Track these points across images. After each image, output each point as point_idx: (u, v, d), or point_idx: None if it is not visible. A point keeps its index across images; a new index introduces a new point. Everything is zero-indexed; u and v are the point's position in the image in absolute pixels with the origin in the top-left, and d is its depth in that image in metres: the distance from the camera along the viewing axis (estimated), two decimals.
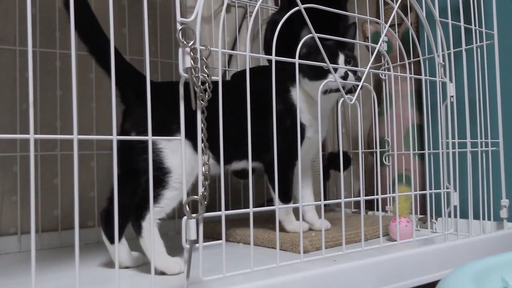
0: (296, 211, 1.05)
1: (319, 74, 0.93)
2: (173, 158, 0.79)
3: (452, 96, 1.01)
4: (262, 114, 0.86)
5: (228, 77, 1.50)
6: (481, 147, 1.13)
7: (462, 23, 1.08)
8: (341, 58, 0.95)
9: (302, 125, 0.98)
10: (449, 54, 1.03)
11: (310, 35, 0.77)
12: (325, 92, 0.94)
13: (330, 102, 1.02)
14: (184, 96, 0.62)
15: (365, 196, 1.02)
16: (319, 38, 0.76)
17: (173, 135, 0.79)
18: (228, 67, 1.53)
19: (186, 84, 0.61)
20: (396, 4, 0.89)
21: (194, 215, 0.61)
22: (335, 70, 0.91)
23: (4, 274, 0.88)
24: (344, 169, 1.26)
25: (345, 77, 0.92)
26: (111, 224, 0.69)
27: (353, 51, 1.02)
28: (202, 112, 0.62)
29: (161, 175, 0.77)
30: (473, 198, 1.06)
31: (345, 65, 0.94)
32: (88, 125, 1.22)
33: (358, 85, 0.85)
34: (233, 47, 1.55)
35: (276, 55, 0.73)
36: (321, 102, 0.84)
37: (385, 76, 1.32)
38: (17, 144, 1.12)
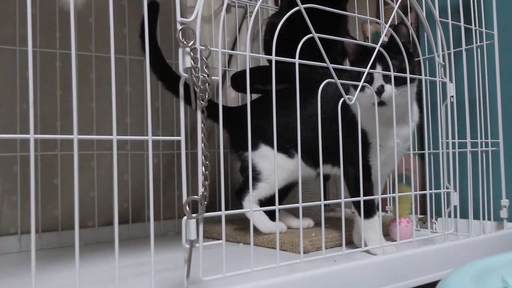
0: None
1: (357, 85, 0.84)
2: (261, 163, 1.05)
3: (452, 96, 1.01)
4: (330, 123, 0.88)
5: (228, 78, 1.50)
6: (481, 147, 1.13)
7: (462, 23, 1.08)
8: (378, 69, 0.86)
9: (363, 131, 0.89)
10: (449, 54, 1.03)
11: (310, 35, 0.77)
12: (374, 103, 0.86)
13: (388, 111, 0.88)
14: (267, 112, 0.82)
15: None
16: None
17: (257, 147, 1.06)
18: (228, 67, 1.53)
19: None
20: (396, 4, 0.89)
21: (194, 215, 0.61)
22: (371, 81, 0.86)
23: (4, 274, 0.88)
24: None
25: (379, 91, 0.85)
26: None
27: (399, 57, 0.87)
28: (202, 112, 0.62)
29: (256, 175, 1.05)
30: (473, 198, 1.06)
31: (383, 78, 0.86)
32: (88, 125, 1.22)
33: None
34: (233, 47, 1.55)
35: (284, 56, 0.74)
36: (376, 111, 0.85)
37: None
38: (17, 144, 1.12)
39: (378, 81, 0.86)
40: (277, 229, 0.75)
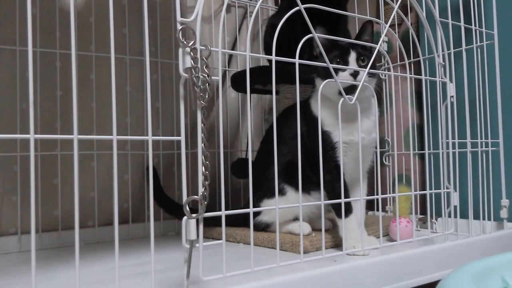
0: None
1: (329, 73, 0.86)
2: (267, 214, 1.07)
3: (452, 96, 1.01)
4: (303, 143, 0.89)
5: (228, 78, 1.50)
6: (481, 147, 1.13)
7: (462, 23, 1.08)
8: (352, 55, 0.91)
9: (326, 132, 0.92)
10: (449, 54, 1.03)
11: (310, 35, 0.77)
12: (340, 92, 0.87)
13: (351, 105, 0.89)
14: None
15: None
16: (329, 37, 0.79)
17: (261, 203, 1.06)
18: (228, 67, 1.53)
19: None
20: (396, 4, 0.89)
21: (194, 215, 0.61)
22: (345, 68, 0.89)
23: (4, 274, 0.88)
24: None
25: (355, 74, 0.88)
26: None
27: (368, 49, 0.94)
28: (202, 113, 0.62)
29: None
30: (473, 198, 1.06)
31: (357, 63, 0.91)
32: (88, 125, 1.22)
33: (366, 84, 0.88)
34: (233, 47, 1.55)
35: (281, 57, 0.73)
36: (341, 103, 0.85)
37: (385, 76, 1.32)
38: (17, 144, 1.12)
39: (353, 65, 0.91)
40: (277, 230, 0.74)
